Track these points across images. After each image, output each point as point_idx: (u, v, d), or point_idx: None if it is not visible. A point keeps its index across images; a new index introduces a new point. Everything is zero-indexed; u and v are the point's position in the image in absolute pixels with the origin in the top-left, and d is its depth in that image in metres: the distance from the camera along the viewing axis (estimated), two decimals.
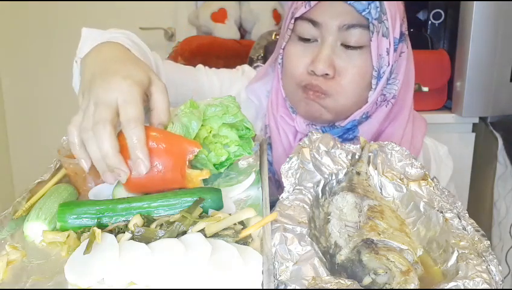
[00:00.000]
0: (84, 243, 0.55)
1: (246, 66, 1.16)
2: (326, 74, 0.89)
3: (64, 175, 0.75)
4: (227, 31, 2.10)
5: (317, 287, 0.52)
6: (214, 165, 0.77)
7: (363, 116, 0.95)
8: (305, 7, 0.89)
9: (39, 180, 0.73)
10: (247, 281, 0.51)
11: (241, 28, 2.17)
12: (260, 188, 0.71)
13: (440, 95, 1.80)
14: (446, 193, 0.73)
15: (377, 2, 0.87)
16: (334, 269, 0.60)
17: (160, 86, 0.70)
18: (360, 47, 0.89)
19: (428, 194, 0.72)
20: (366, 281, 0.57)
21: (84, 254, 0.53)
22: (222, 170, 0.78)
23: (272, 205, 0.66)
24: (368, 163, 0.78)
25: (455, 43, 1.71)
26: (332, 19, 0.88)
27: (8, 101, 2.51)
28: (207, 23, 2.12)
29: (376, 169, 0.77)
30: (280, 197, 0.68)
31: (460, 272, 0.56)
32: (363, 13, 0.87)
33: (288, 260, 0.56)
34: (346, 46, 0.89)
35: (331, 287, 0.52)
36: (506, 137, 1.71)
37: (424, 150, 1.05)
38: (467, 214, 0.69)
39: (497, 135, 1.72)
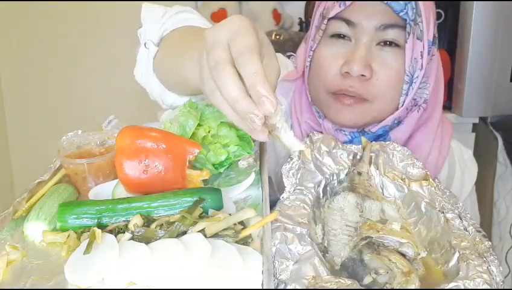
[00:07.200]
0: (84, 243, 0.55)
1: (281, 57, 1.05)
2: (362, 75, 0.86)
3: (64, 175, 0.74)
4: None
5: (317, 286, 0.52)
6: (213, 164, 0.76)
7: (395, 122, 0.92)
8: (340, 6, 0.86)
9: (39, 180, 0.72)
10: (247, 281, 0.51)
11: None
12: (260, 188, 0.71)
13: None
14: (447, 193, 0.73)
15: (413, 3, 0.85)
16: (335, 268, 0.60)
17: (271, 49, 0.59)
18: (396, 45, 0.87)
19: (430, 194, 0.72)
20: (367, 280, 0.57)
21: (84, 254, 0.53)
22: (222, 170, 0.78)
23: (272, 205, 0.66)
24: (370, 163, 0.78)
25: (455, 43, 1.71)
26: (369, 19, 0.85)
27: (8, 101, 2.51)
28: None
29: (377, 169, 0.77)
30: (281, 197, 0.68)
31: (461, 272, 0.56)
32: (401, 14, 0.84)
33: (289, 259, 0.56)
34: (382, 45, 0.87)
35: (331, 287, 0.52)
36: (506, 137, 1.71)
37: (449, 154, 1.01)
38: (468, 215, 0.69)
39: (497, 135, 1.72)
